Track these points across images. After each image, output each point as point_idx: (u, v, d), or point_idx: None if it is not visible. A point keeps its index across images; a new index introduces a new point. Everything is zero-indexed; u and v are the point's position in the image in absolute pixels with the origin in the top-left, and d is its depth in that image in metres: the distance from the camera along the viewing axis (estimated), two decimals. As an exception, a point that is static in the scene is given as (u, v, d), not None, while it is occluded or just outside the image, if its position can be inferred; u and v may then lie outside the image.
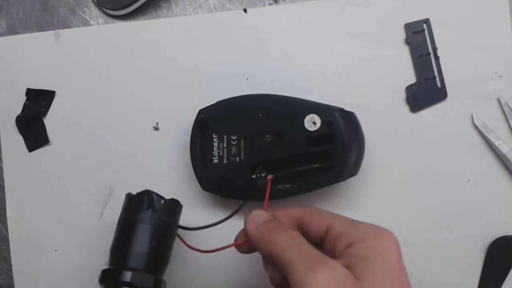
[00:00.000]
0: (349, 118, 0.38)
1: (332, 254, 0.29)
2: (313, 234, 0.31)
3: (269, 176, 0.37)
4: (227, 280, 0.42)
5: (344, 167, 0.37)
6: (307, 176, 0.37)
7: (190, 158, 0.39)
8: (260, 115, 0.38)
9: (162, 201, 0.35)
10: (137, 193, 0.35)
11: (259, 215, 0.32)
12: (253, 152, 0.38)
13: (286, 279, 0.28)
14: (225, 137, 0.38)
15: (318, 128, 0.37)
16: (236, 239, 0.34)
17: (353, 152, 0.37)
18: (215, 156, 0.38)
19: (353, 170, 0.38)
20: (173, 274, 0.35)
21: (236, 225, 0.34)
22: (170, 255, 0.36)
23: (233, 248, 0.33)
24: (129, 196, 0.36)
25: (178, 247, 0.36)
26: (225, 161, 0.38)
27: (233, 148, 0.38)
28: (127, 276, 0.32)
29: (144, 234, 0.34)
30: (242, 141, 0.38)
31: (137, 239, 0.34)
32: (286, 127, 0.37)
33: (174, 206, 0.36)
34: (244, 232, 0.33)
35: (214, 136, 0.38)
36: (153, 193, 0.35)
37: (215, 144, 0.38)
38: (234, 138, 0.38)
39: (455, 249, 0.41)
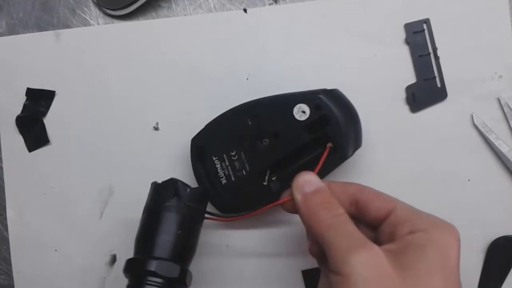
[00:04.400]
0: (335, 95, 0.38)
1: (390, 237, 0.29)
2: (372, 214, 0.31)
3: (329, 145, 0.36)
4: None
5: (346, 143, 0.36)
6: (315, 164, 0.37)
7: (193, 173, 0.39)
8: (249, 122, 0.38)
9: (188, 190, 0.34)
10: (162, 182, 0.35)
11: (309, 182, 0.32)
12: (256, 160, 0.38)
13: (324, 253, 0.29)
14: (224, 155, 0.38)
15: (309, 115, 0.37)
16: (282, 197, 0.34)
17: (350, 125, 0.37)
18: (222, 177, 0.38)
19: (356, 142, 0.38)
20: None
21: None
22: (197, 246, 0.35)
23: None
24: (154, 185, 0.35)
25: (204, 241, 0.36)
26: (233, 179, 0.38)
27: (236, 163, 0.38)
28: (152, 265, 0.31)
29: (170, 223, 0.33)
30: (242, 154, 0.38)
31: (163, 228, 0.33)
32: (278, 125, 0.37)
33: (200, 195, 0.35)
34: (290, 192, 0.32)
35: (214, 158, 0.38)
36: (179, 181, 0.34)
37: (218, 165, 0.38)
38: (233, 153, 0.38)
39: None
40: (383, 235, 0.30)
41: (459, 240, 0.28)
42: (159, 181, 0.35)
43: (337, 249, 0.27)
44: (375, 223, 0.31)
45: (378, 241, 0.29)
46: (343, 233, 0.28)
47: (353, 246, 0.27)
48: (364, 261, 0.26)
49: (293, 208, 0.32)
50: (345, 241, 0.28)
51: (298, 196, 0.31)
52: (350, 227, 0.29)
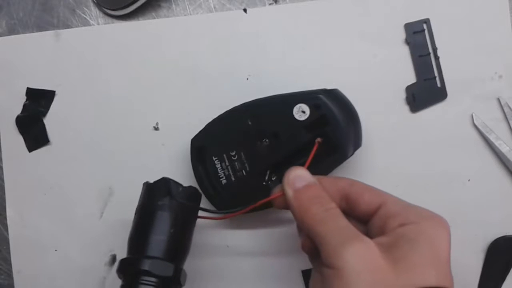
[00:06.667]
0: (334, 95, 0.38)
1: (381, 230, 0.29)
2: (362, 208, 0.31)
3: (318, 140, 0.36)
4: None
5: (346, 143, 0.37)
6: (316, 164, 0.37)
7: (193, 173, 0.39)
8: (249, 123, 0.38)
9: (180, 188, 0.34)
10: (154, 181, 0.35)
11: (300, 177, 0.32)
12: (256, 160, 0.38)
13: (317, 249, 0.29)
14: (224, 156, 0.38)
15: (309, 115, 0.37)
16: (273, 192, 0.34)
17: (349, 125, 0.37)
18: (222, 177, 0.38)
19: (356, 142, 0.38)
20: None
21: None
22: (190, 244, 0.35)
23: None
24: (146, 184, 0.35)
25: (197, 240, 0.35)
26: (233, 179, 0.38)
27: (236, 163, 0.38)
28: (146, 264, 0.31)
29: (163, 222, 0.33)
30: (242, 154, 0.38)
31: (155, 227, 0.33)
32: (278, 125, 0.37)
33: (192, 194, 0.35)
34: (282, 187, 0.32)
35: (214, 158, 0.38)
36: (171, 180, 0.34)
37: (218, 165, 0.38)
38: (233, 154, 0.38)
39: (455, 249, 0.40)
40: (373, 228, 0.30)
41: (449, 232, 0.28)
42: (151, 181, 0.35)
43: (329, 243, 0.27)
44: (366, 217, 0.31)
45: (369, 235, 0.29)
46: (335, 226, 0.29)
47: (345, 239, 0.27)
48: (357, 254, 0.26)
49: (285, 204, 0.32)
50: (337, 234, 0.28)
51: (289, 191, 0.31)
52: (342, 220, 0.29)
